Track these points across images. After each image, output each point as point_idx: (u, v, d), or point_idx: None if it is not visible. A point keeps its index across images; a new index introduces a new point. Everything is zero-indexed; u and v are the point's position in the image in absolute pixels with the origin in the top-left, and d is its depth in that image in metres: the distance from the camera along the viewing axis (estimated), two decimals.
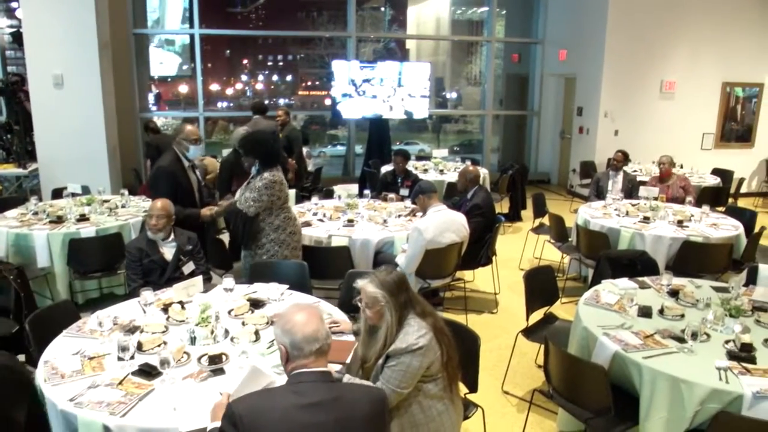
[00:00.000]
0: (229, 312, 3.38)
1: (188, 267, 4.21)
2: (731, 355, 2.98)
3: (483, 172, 8.01)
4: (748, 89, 11.01)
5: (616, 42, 10.06)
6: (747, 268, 4.34)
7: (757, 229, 5.73)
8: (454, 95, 16.56)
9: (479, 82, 14.26)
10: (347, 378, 2.42)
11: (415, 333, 2.61)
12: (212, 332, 3.03)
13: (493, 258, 5.74)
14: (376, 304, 2.67)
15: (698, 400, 2.74)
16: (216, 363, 2.74)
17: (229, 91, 16.27)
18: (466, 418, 3.03)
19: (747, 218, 6.14)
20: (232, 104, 15.48)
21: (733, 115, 11.06)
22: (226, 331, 3.09)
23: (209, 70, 14.87)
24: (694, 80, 10.52)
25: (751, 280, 4.21)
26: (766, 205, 10.66)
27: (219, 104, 15.07)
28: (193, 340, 2.99)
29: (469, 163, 8.68)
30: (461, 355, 2.82)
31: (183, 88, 14.00)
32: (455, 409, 2.82)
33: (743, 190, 9.47)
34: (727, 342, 3.12)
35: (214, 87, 15.38)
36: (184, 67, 13.13)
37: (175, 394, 2.53)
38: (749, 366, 2.89)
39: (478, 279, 6.32)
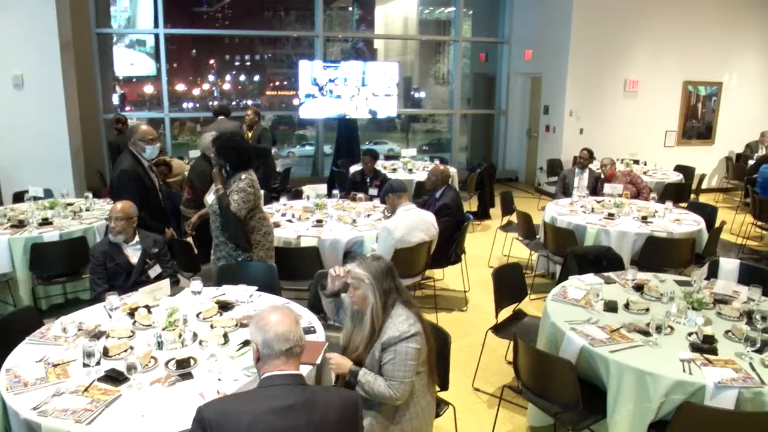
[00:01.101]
0: (197, 315, 3.34)
1: (154, 270, 4.15)
2: (694, 347, 3.05)
3: (451, 170, 8.05)
4: (708, 88, 11.29)
5: (580, 42, 10.22)
6: (708, 262, 4.46)
7: (717, 224, 5.87)
8: (422, 95, 16.61)
9: (447, 81, 14.33)
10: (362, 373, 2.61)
11: (406, 321, 2.69)
12: (180, 336, 2.99)
13: (462, 256, 5.78)
14: (361, 286, 2.73)
15: (663, 392, 2.80)
16: (184, 367, 2.72)
17: (196, 92, 16.05)
18: (437, 415, 3.06)
19: (708, 213, 6.29)
20: (198, 105, 15.28)
21: (694, 113, 11.33)
22: (194, 335, 3.06)
23: (175, 71, 14.64)
24: (656, 79, 10.76)
25: (713, 273, 4.32)
26: (727, 200, 10.94)
27: (185, 105, 14.86)
28: (160, 345, 2.95)
29: (438, 162, 8.74)
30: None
31: (148, 89, 13.78)
32: (433, 405, 2.87)
33: (704, 186, 9.70)
34: (690, 334, 3.19)
35: (180, 87, 15.16)
36: (152, 68, 12.92)
37: (143, 400, 2.49)
38: (711, 357, 2.96)
39: (447, 277, 6.35)
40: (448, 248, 5.52)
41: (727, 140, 11.58)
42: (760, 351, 3.00)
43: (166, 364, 2.75)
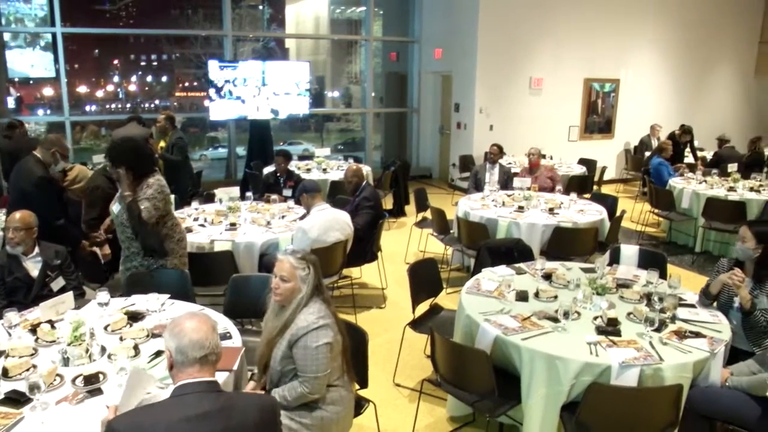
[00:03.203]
0: (105, 328, 3.19)
1: (57, 283, 3.93)
2: (599, 330, 3.21)
3: (366, 169, 8.09)
4: (608, 85, 11.89)
5: (486, 42, 10.52)
6: (610, 249, 4.70)
7: (618, 213, 6.19)
8: (336, 94, 16.60)
9: (360, 80, 14.39)
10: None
11: (316, 314, 2.70)
12: (87, 351, 2.85)
13: (379, 254, 5.82)
14: (293, 278, 2.73)
15: (573, 375, 2.92)
16: (92, 383, 2.59)
17: (100, 94, 15.37)
18: (358, 414, 3.07)
19: (610, 203, 6.62)
20: (103, 107, 14.63)
21: (595, 109, 11.91)
22: (103, 348, 2.92)
23: (76, 72, 13.96)
24: (559, 77, 11.23)
25: (615, 259, 4.56)
26: (627, 190, 11.57)
27: (88, 107, 14.18)
28: (66, 361, 2.80)
29: (351, 161, 8.77)
30: (350, 352, 2.88)
31: (48, 91, 13.04)
32: (351, 403, 2.89)
33: (606, 177, 10.21)
34: (595, 318, 3.35)
35: (82, 89, 14.47)
36: (51, 69, 12.22)
37: (49, 421, 2.36)
38: (615, 339, 3.12)
39: (365, 275, 6.38)
40: (364, 246, 5.54)
41: (625, 134, 12.27)
42: (658, 330, 3.20)
43: (73, 380, 2.62)
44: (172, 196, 6.05)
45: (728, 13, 12.82)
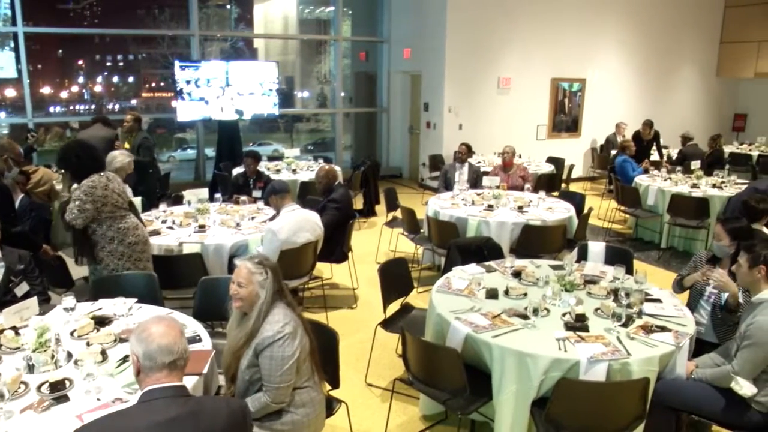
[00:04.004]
0: (71, 333, 3.13)
1: (21, 289, 3.83)
2: (568, 326, 3.25)
3: (336, 169, 8.07)
4: (575, 84, 12.06)
5: (455, 42, 10.58)
6: (578, 246, 4.76)
7: (586, 211, 6.28)
8: (305, 94, 16.51)
9: (329, 80, 14.35)
10: None
11: (281, 321, 2.67)
12: (53, 357, 2.78)
13: (350, 254, 5.81)
14: (251, 284, 2.71)
15: (542, 371, 2.96)
16: (59, 390, 2.54)
17: (64, 94, 15.04)
18: (330, 414, 3.06)
19: (577, 201, 6.72)
20: (68, 108, 14.32)
21: (562, 108, 12.08)
22: (69, 354, 2.86)
23: (39, 72, 13.64)
24: (527, 76, 11.36)
25: (582, 256, 4.63)
26: (594, 188, 11.75)
27: (52, 109, 13.87)
28: (31, 368, 2.73)
29: (322, 161, 8.74)
30: (321, 352, 2.87)
31: (10, 92, 12.71)
32: (322, 404, 2.88)
33: (574, 175, 10.36)
34: (564, 315, 3.39)
35: (46, 90, 14.14)
36: (11, 69, 11.91)
37: (13, 430, 2.30)
38: (583, 334, 3.17)
39: (336, 275, 6.37)
40: (334, 245, 5.52)
41: (592, 132, 12.47)
42: (625, 325, 3.25)
43: (39, 388, 2.55)
44: (138, 199, 6.00)
45: (690, 15, 13.14)
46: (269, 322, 2.69)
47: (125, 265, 4.17)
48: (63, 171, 4.06)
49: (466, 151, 7.97)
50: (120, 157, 5.17)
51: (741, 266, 3.13)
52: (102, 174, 4.13)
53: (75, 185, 4.09)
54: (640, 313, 3.42)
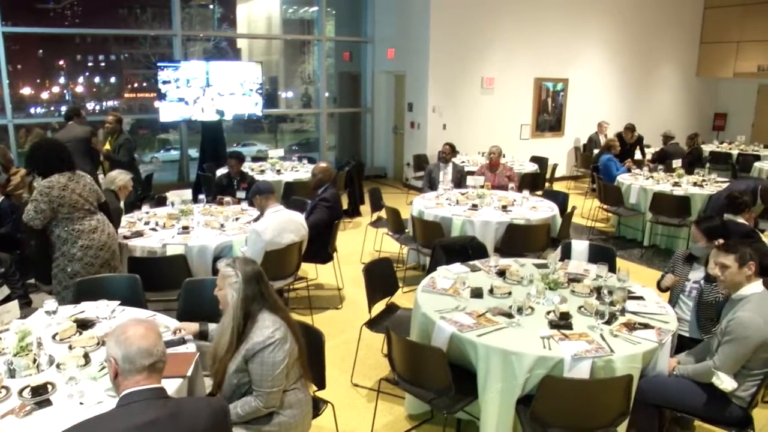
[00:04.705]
0: (53, 336, 3.09)
1: (1, 292, 3.80)
2: (552, 325, 3.28)
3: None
4: (558, 84, 12.14)
5: (438, 42, 10.60)
6: (562, 245, 4.80)
7: (569, 209, 6.33)
8: (289, 94, 16.47)
9: (313, 80, 14.32)
10: None
11: (270, 327, 2.66)
12: (34, 361, 2.76)
13: (335, 254, 5.80)
14: (223, 283, 2.73)
15: (527, 369, 2.97)
16: (41, 394, 2.51)
17: (45, 95, 14.88)
18: (316, 415, 3.05)
19: (561, 200, 6.75)
20: (49, 109, 14.17)
21: (546, 108, 12.14)
22: (51, 358, 2.83)
23: (19, 73, 13.47)
24: (510, 76, 11.41)
25: (566, 254, 4.67)
26: (577, 187, 11.84)
27: (33, 110, 13.72)
28: (12, 372, 2.70)
29: (306, 162, 8.74)
30: (307, 353, 2.86)
31: None
32: (309, 405, 2.87)
33: (557, 174, 10.42)
34: (548, 313, 3.42)
35: (26, 91, 13.99)
36: None
37: None
38: (567, 332, 3.19)
39: (321, 276, 6.35)
40: (317, 245, 5.51)
41: (575, 132, 12.55)
42: (608, 322, 3.28)
43: (20, 392, 2.53)
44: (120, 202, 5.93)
45: (671, 15, 13.28)
46: (259, 327, 2.67)
47: (74, 268, 4.11)
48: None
49: (449, 151, 7.99)
50: (120, 176, 5.21)
51: (730, 267, 3.16)
52: (65, 174, 4.07)
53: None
54: (623, 311, 3.46)
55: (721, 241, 3.61)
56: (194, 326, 3.09)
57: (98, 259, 4.21)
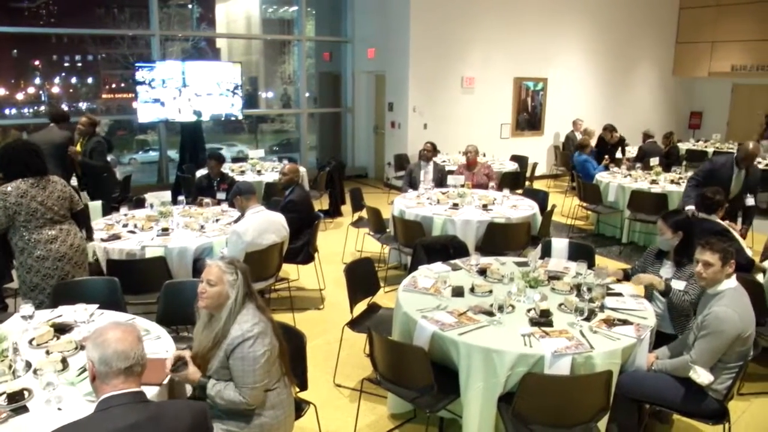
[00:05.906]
0: (30, 342, 3.05)
1: None
2: (533, 322, 3.30)
3: (302, 170, 8.03)
4: (537, 83, 12.23)
5: (419, 42, 10.62)
6: (542, 243, 4.83)
7: (549, 208, 6.38)
8: (270, 95, 16.40)
9: (293, 81, 14.27)
10: None
11: (250, 321, 2.66)
12: (10, 367, 2.71)
13: (316, 254, 5.79)
14: (221, 283, 2.68)
15: (508, 366, 3.00)
16: (17, 401, 2.47)
17: (20, 96, 14.67)
18: (299, 416, 3.05)
19: (541, 198, 6.80)
20: (25, 110, 13.98)
21: (525, 107, 12.23)
22: (28, 364, 2.79)
23: None
24: (490, 76, 11.47)
25: (546, 252, 4.70)
26: (557, 185, 11.93)
27: (7, 111, 13.52)
28: None
29: (287, 162, 8.68)
30: (289, 354, 2.86)
31: None
32: (291, 405, 2.87)
33: (537, 173, 10.49)
34: (529, 310, 3.44)
35: (0, 91, 13.79)
36: None
37: None
38: (548, 329, 3.22)
39: (302, 277, 6.34)
40: (299, 247, 5.50)
41: (554, 130, 12.64)
42: (588, 319, 3.32)
43: None
44: (99, 203, 5.88)
45: (648, 15, 13.44)
46: (238, 322, 2.66)
47: (31, 279, 4.01)
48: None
49: (431, 150, 8.00)
50: None
51: (713, 265, 3.19)
52: (27, 180, 3.94)
53: None
54: (602, 307, 3.49)
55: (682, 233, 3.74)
56: (197, 374, 2.74)
57: (57, 270, 4.05)
